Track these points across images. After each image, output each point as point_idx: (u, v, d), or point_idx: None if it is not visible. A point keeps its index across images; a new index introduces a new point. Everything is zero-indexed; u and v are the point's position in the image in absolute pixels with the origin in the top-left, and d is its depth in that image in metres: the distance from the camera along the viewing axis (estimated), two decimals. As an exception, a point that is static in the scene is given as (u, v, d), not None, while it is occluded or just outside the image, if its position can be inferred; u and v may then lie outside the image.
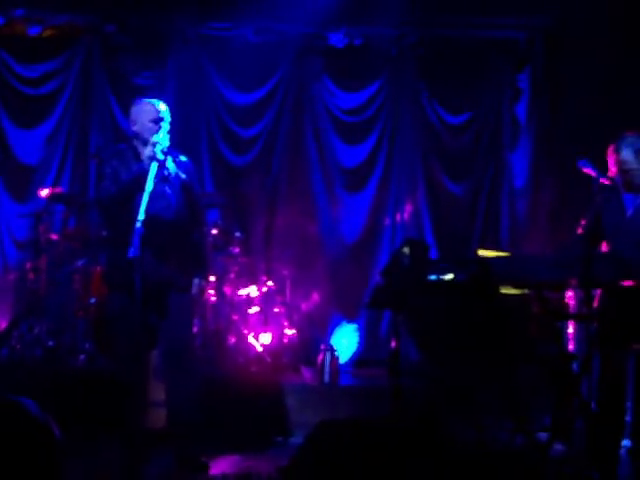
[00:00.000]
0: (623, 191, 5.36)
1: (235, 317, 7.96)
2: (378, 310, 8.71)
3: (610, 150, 5.36)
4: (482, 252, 5.42)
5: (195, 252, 5.51)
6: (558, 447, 5.47)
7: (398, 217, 9.33)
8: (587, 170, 5.30)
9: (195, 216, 5.55)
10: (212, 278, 7.80)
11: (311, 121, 9.48)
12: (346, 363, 8.55)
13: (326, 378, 7.32)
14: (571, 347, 6.41)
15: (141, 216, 4.80)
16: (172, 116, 5.54)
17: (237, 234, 8.32)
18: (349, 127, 9.54)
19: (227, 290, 8.12)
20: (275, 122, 9.42)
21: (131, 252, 4.71)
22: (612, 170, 5.33)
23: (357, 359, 8.86)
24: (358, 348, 8.96)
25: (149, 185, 4.97)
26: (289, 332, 8.24)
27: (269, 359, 7.73)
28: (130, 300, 4.88)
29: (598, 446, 5.15)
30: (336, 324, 9.01)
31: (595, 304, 5.31)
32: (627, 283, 4.76)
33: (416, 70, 9.43)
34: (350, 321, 9.05)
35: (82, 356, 7.32)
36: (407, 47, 9.27)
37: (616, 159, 5.31)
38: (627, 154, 5.28)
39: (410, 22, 9.13)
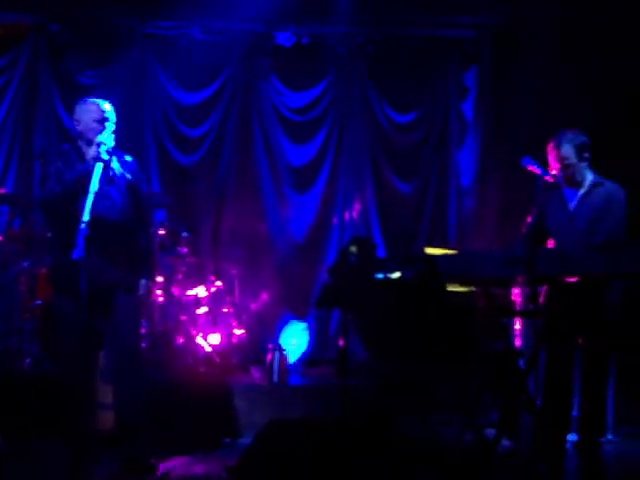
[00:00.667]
0: (565, 187, 5.43)
1: (183, 318, 7.90)
2: (326, 309, 8.72)
3: (550, 146, 5.42)
4: (429, 250, 5.45)
5: (141, 253, 5.46)
6: (506, 443, 5.50)
7: (346, 216, 9.35)
8: (531, 168, 5.36)
9: (141, 217, 5.50)
10: (160, 279, 7.74)
11: (259, 120, 9.45)
12: (295, 362, 8.55)
13: (275, 378, 7.30)
14: (518, 343, 6.47)
15: (86, 217, 4.75)
16: (118, 116, 5.48)
17: (185, 234, 8.27)
18: (297, 126, 9.53)
19: (175, 291, 8.07)
20: (223, 121, 9.37)
21: (76, 253, 4.66)
22: (553, 166, 5.38)
23: (306, 358, 8.85)
24: (307, 347, 8.95)
25: (94, 185, 4.92)
26: (238, 332, 8.22)
27: (218, 359, 7.70)
28: (76, 302, 4.83)
29: (545, 441, 5.21)
30: (285, 323, 9.00)
31: (541, 300, 5.37)
32: (571, 279, 4.81)
33: (364, 69, 9.45)
34: (299, 320, 9.05)
35: (28, 359, 7.21)
36: (355, 46, 9.30)
37: (557, 155, 5.37)
38: (567, 150, 5.35)
39: (358, 21, 9.15)
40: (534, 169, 5.34)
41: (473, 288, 5.34)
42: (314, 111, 9.55)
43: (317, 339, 9.05)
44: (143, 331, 7.20)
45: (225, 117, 9.38)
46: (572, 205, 5.40)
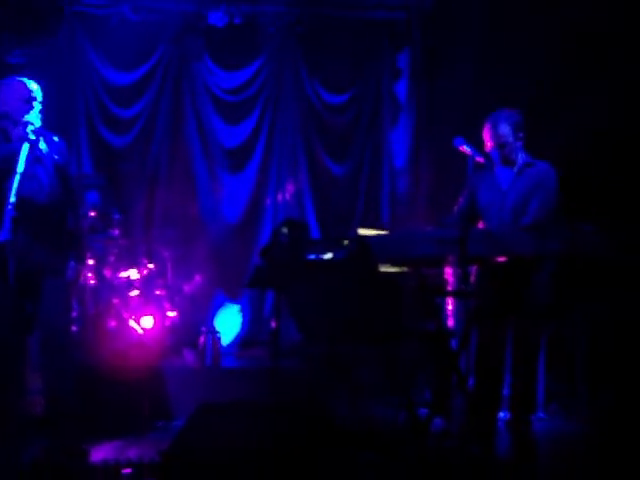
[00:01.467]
0: (498, 166, 5.45)
1: (115, 300, 7.81)
2: (258, 290, 8.71)
3: (487, 125, 5.42)
4: (362, 230, 5.44)
5: (70, 235, 5.36)
6: (438, 422, 5.54)
7: (280, 197, 9.34)
8: (462, 148, 5.36)
9: (69, 198, 5.39)
10: (91, 261, 7.64)
11: (191, 101, 9.38)
12: (229, 345, 8.52)
13: (208, 360, 7.27)
14: (450, 323, 6.52)
15: (12, 198, 4.67)
16: (48, 96, 5.36)
17: (116, 216, 8.15)
18: (230, 107, 9.48)
19: (107, 273, 7.97)
20: (155, 102, 9.28)
21: (2, 235, 4.58)
22: (488, 145, 5.40)
23: (240, 340, 8.83)
24: (241, 329, 8.93)
25: (20, 166, 4.83)
26: (171, 314, 8.15)
27: (150, 342, 7.63)
28: (3, 285, 4.75)
29: (477, 420, 5.25)
30: (219, 306, 8.96)
31: (473, 280, 5.40)
32: (501, 259, 4.85)
33: (296, 49, 9.44)
34: (233, 302, 9.02)
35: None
36: (287, 26, 9.27)
37: (493, 133, 5.38)
38: (504, 128, 5.36)
39: (289, 1, 9.12)
40: (466, 150, 5.35)
41: (405, 268, 5.36)
42: (247, 91, 9.50)
43: (251, 321, 9.03)
44: (74, 314, 7.11)
45: (157, 98, 9.27)
46: (504, 185, 5.43)
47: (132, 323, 7.71)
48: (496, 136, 5.37)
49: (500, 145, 5.37)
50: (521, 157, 5.43)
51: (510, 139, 5.38)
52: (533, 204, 5.24)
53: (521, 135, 5.42)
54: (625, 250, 5.19)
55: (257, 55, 9.50)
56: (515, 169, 5.41)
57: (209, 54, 9.41)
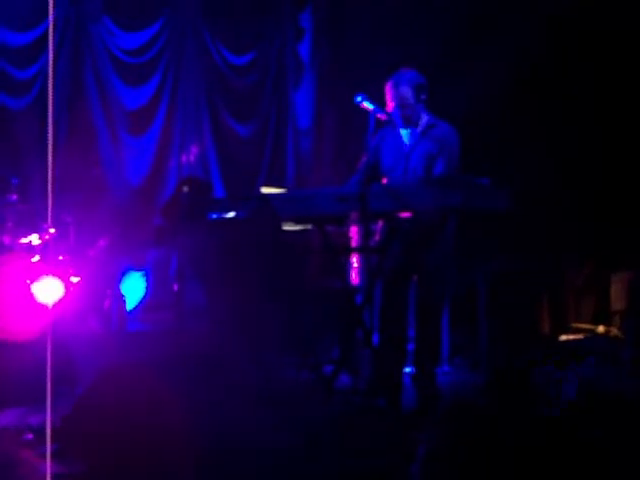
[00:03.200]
0: (401, 127, 5.45)
1: (16, 266, 7.63)
2: (162, 252, 8.62)
3: (388, 86, 5.38)
4: (265, 190, 5.42)
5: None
6: (344, 379, 5.57)
7: (184, 159, 9.23)
8: (363, 105, 5.34)
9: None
10: (-12, 227, 7.46)
11: (91, 62, 9.18)
12: (134, 309, 8.43)
13: (114, 324, 7.19)
14: (356, 280, 6.56)
15: None
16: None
17: (14, 180, 7.94)
18: (131, 68, 9.31)
19: (6, 239, 7.76)
20: (53, 63, 9.03)
21: None
22: (389, 105, 5.39)
23: (146, 304, 8.74)
24: (146, 293, 8.84)
25: None
26: (75, 280, 8.00)
27: (54, 307, 7.49)
28: None
29: (382, 374, 5.29)
30: (124, 270, 8.84)
31: (378, 237, 5.43)
32: (404, 214, 4.88)
33: (198, 9, 9.33)
34: (138, 266, 8.91)
35: None
36: (187, -15, 9.13)
37: (394, 94, 5.34)
38: (406, 90, 5.32)
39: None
40: (367, 107, 5.33)
41: (308, 226, 5.37)
42: (149, 53, 9.35)
43: (155, 284, 8.95)
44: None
45: (55, 59, 9.03)
46: (407, 145, 5.42)
47: (34, 289, 7.56)
48: (398, 97, 5.33)
49: (402, 106, 5.33)
50: (424, 118, 5.42)
51: (412, 100, 5.34)
52: (438, 166, 5.26)
53: (423, 97, 5.38)
54: (521, 204, 5.26)
55: (158, 16, 9.34)
56: (418, 130, 5.41)
57: (108, 14, 9.20)
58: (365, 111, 5.34)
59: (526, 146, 7.69)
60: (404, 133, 5.44)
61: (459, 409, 3.77)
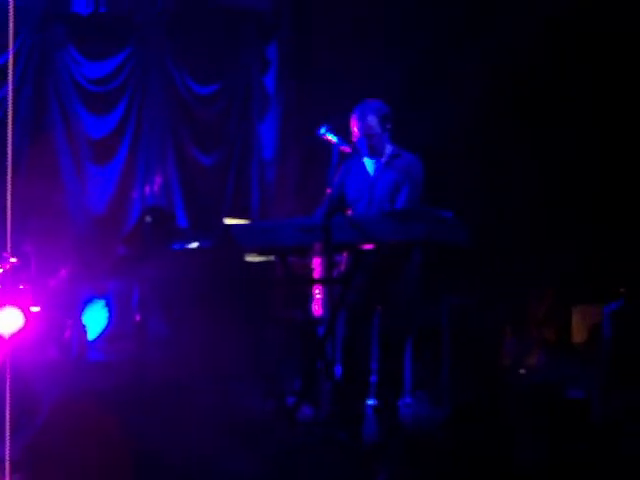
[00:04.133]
0: (365, 157, 5.47)
1: (-24, 296, 7.55)
2: (124, 282, 8.56)
3: (355, 115, 5.41)
4: (229, 220, 5.41)
5: None
6: (306, 410, 5.55)
7: (147, 189, 9.20)
8: (328, 137, 5.36)
9: None
10: (-53, 256, 7.37)
11: (55, 91, 9.13)
12: (96, 339, 8.35)
13: (74, 353, 7.12)
14: (319, 312, 6.53)
15: None
16: None
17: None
18: (96, 97, 9.28)
19: (-35, 269, 7.69)
20: (16, 90, 8.97)
21: None
22: (355, 135, 5.41)
23: (107, 334, 8.66)
24: (108, 323, 8.76)
25: None
26: (35, 309, 7.92)
27: (12, 338, 7.40)
28: None
29: (344, 406, 5.28)
30: (85, 299, 8.76)
31: (342, 268, 5.42)
32: (367, 246, 4.89)
33: (163, 40, 9.33)
34: (99, 295, 8.83)
35: None
36: (153, 15, 9.14)
37: (360, 124, 5.38)
38: (372, 120, 5.36)
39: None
40: (330, 139, 5.35)
41: (271, 257, 5.36)
42: (113, 82, 9.33)
43: (118, 314, 8.87)
44: None
45: (19, 87, 8.98)
46: (372, 175, 5.45)
47: (-6, 319, 7.47)
48: (364, 127, 5.36)
49: (367, 136, 5.37)
50: (388, 148, 5.46)
51: (377, 130, 5.38)
52: (401, 196, 5.29)
53: (388, 126, 5.43)
54: (480, 239, 5.30)
55: (123, 45, 9.33)
56: (383, 160, 5.44)
57: (73, 43, 9.18)
58: (329, 143, 5.36)
59: (487, 178, 7.78)
60: (368, 163, 5.47)
61: (419, 444, 3.78)
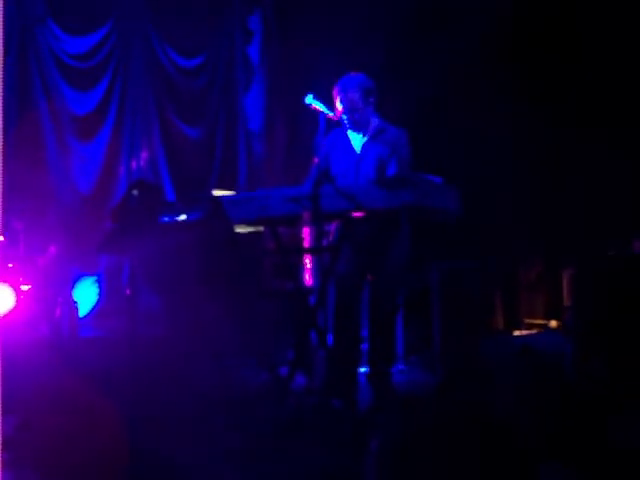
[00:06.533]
0: (350, 131, 5.43)
1: (-36, 275, 7.53)
2: (114, 258, 8.55)
3: (336, 90, 5.35)
4: (217, 192, 5.39)
5: None
6: (300, 380, 5.56)
7: (134, 164, 9.17)
8: (314, 106, 5.32)
9: None
10: None
11: (37, 67, 9.04)
12: (86, 316, 8.35)
13: (65, 331, 7.11)
14: (309, 281, 6.54)
15: None
16: None
17: (-39, 188, 7.83)
18: (79, 73, 9.19)
19: (-45, 248, 7.66)
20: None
21: None
22: (338, 110, 5.35)
23: (98, 311, 8.66)
24: (99, 299, 8.75)
25: None
26: (25, 287, 7.90)
27: (3, 317, 7.39)
28: None
29: (337, 375, 5.28)
30: (75, 276, 8.75)
31: (331, 238, 5.41)
32: (357, 214, 4.87)
33: (145, 13, 9.25)
34: (89, 272, 8.82)
35: None
36: (134, -12, 9.07)
37: (343, 98, 5.32)
38: (354, 94, 5.30)
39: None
40: (317, 107, 5.31)
41: (260, 228, 5.34)
42: (96, 57, 9.25)
43: (108, 290, 8.86)
44: None
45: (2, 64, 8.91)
46: (358, 149, 5.41)
47: (-16, 298, 7.45)
48: (347, 101, 5.31)
49: (351, 110, 5.32)
50: (374, 121, 5.41)
51: (361, 104, 5.31)
52: (390, 169, 5.25)
53: (372, 100, 5.37)
54: (474, 203, 5.31)
55: (105, 19, 9.25)
56: (368, 134, 5.40)
57: (54, 19, 9.09)
58: (315, 112, 5.32)
59: (477, 145, 7.76)
60: (354, 137, 5.42)
61: (412, 405, 3.79)
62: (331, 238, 5.42)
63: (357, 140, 5.42)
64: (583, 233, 7.44)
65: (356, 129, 5.39)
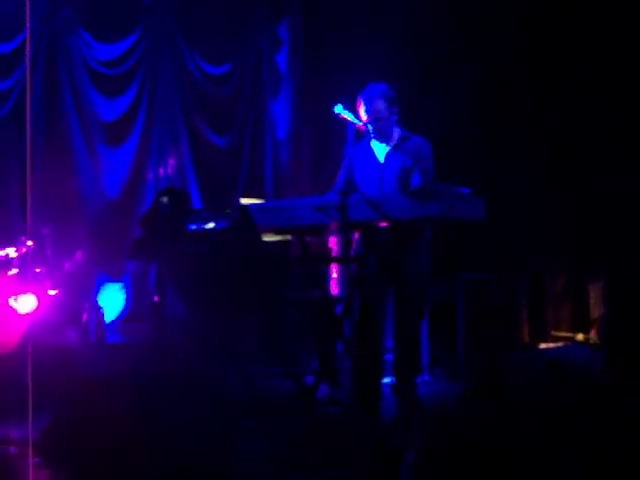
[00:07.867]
0: (374, 140, 5.43)
1: (-7, 280, 7.59)
2: (141, 264, 8.59)
3: (361, 99, 5.36)
4: (244, 200, 5.41)
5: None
6: (325, 389, 5.56)
7: (161, 171, 9.23)
8: (343, 116, 5.33)
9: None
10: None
11: (67, 74, 9.14)
12: (113, 321, 8.39)
13: (92, 337, 7.15)
14: (335, 291, 6.55)
15: None
16: None
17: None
18: (108, 80, 9.29)
19: (-17, 253, 7.73)
20: (29, 75, 8.99)
21: None
22: (363, 120, 5.36)
23: (125, 316, 8.70)
24: (125, 305, 8.79)
25: None
26: (52, 292, 7.96)
27: (32, 322, 7.44)
28: None
29: (362, 385, 5.28)
30: (101, 282, 8.80)
31: (355, 247, 5.41)
32: (382, 224, 4.87)
33: (174, 21, 9.32)
34: (116, 278, 8.87)
35: None
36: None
37: (367, 108, 5.33)
38: (379, 104, 5.30)
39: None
40: (346, 117, 5.32)
41: (288, 237, 5.35)
42: (125, 64, 9.34)
43: (135, 296, 8.91)
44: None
45: (31, 71, 8.99)
46: (381, 159, 5.41)
47: (12, 302, 7.51)
48: (371, 111, 5.32)
49: (375, 120, 5.31)
50: (397, 131, 5.42)
51: (385, 114, 5.31)
52: (414, 179, 5.24)
53: (395, 109, 5.38)
54: (500, 213, 5.29)
55: (134, 27, 9.34)
56: (391, 143, 5.40)
57: (84, 26, 9.18)
58: (344, 121, 5.33)
59: (505, 155, 7.75)
60: (377, 147, 5.42)
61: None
62: (354, 247, 5.42)
63: (381, 150, 5.42)
64: (610, 245, 7.38)
65: (380, 139, 5.39)
